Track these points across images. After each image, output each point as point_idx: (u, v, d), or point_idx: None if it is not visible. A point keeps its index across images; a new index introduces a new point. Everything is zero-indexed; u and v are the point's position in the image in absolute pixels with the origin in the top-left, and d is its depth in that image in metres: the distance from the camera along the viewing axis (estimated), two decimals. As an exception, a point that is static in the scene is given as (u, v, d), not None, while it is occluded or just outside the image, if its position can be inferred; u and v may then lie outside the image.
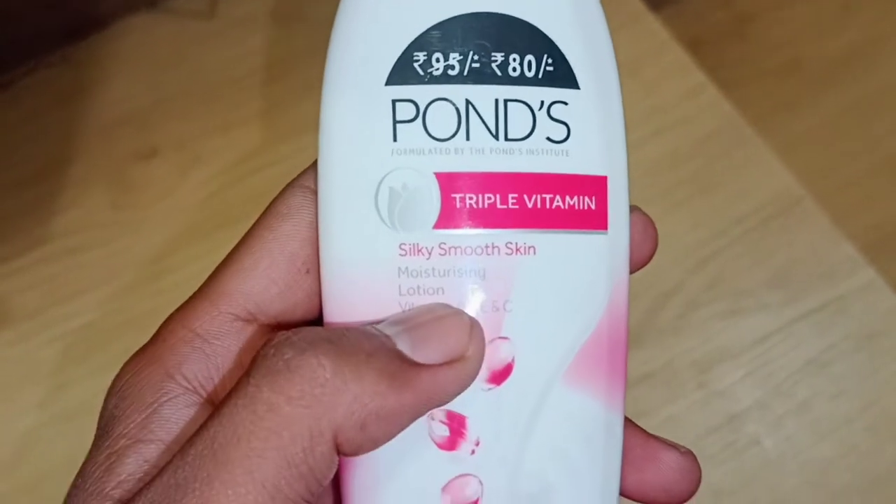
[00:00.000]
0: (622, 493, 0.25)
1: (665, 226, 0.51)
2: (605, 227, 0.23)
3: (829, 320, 0.49)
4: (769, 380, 0.48)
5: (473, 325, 0.22)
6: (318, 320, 0.24)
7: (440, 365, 0.21)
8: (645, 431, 0.25)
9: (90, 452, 0.22)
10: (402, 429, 0.21)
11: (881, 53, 0.85)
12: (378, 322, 0.22)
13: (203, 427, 0.20)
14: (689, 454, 0.25)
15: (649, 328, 0.49)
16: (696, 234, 0.51)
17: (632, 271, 0.25)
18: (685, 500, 0.25)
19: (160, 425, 0.22)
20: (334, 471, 0.20)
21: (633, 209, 0.25)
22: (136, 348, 0.23)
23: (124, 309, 0.50)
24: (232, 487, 0.19)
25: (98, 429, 0.22)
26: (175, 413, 0.22)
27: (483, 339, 0.22)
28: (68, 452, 0.22)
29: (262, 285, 0.23)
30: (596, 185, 0.23)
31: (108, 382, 0.23)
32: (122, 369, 0.23)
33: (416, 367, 0.21)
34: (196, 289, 0.24)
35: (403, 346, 0.21)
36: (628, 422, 0.25)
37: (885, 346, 0.48)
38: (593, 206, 0.23)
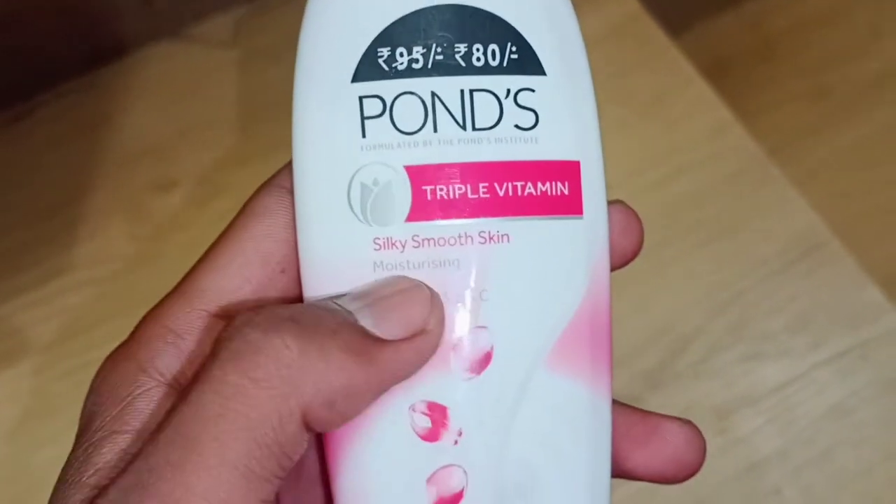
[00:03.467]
0: (631, 476, 0.25)
1: (686, 267, 0.51)
2: (581, 212, 0.23)
3: (853, 366, 0.48)
4: (790, 427, 0.47)
5: (434, 296, 0.22)
6: None
7: (402, 340, 0.22)
8: (642, 409, 0.25)
9: (72, 448, 0.22)
10: (369, 404, 0.21)
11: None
12: (341, 295, 0.23)
13: (171, 412, 0.20)
14: (690, 423, 0.25)
15: (669, 372, 0.48)
16: (717, 275, 0.50)
17: (614, 267, 0.25)
18: (694, 471, 0.25)
19: (134, 416, 0.22)
20: (305, 447, 0.21)
21: (616, 202, 0.25)
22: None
23: (141, 342, 0.50)
24: (204, 469, 0.19)
25: (79, 427, 0.23)
26: (149, 405, 0.22)
27: (443, 311, 0.23)
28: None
29: (236, 283, 0.23)
30: (568, 171, 0.23)
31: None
32: (100, 367, 0.24)
33: (380, 343, 0.21)
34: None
35: (366, 322, 0.22)
36: (622, 404, 0.25)
37: (910, 393, 0.47)
38: (566, 192, 0.23)
